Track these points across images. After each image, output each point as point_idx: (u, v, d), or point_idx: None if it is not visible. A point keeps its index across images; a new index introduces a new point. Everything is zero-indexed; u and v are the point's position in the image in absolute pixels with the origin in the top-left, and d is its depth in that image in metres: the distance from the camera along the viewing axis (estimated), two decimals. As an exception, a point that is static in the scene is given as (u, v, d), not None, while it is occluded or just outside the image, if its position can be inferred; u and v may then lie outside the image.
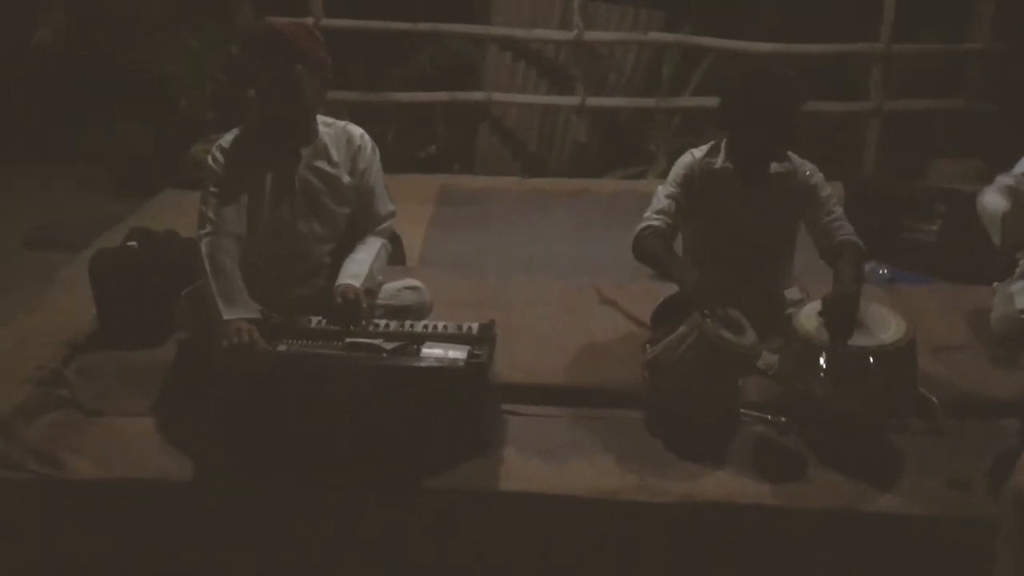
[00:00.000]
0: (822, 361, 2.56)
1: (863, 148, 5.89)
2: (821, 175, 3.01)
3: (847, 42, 5.84)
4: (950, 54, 6.12)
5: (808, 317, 2.67)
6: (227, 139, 2.80)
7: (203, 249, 2.69)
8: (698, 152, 3.03)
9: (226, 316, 2.59)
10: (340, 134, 2.90)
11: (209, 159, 2.79)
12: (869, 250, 2.97)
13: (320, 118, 2.87)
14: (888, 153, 5.93)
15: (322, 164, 2.85)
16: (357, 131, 2.93)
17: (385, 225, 2.99)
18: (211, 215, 2.72)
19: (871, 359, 2.52)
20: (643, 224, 2.95)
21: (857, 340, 2.57)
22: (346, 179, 2.88)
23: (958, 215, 4.19)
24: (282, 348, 2.61)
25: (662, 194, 3.00)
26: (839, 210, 2.99)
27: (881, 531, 2.43)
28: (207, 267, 2.66)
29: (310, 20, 5.74)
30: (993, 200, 3.25)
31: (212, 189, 2.74)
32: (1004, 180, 3.32)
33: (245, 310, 2.63)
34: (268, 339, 2.60)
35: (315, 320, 2.74)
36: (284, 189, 2.82)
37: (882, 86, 5.83)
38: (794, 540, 2.47)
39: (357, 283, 2.77)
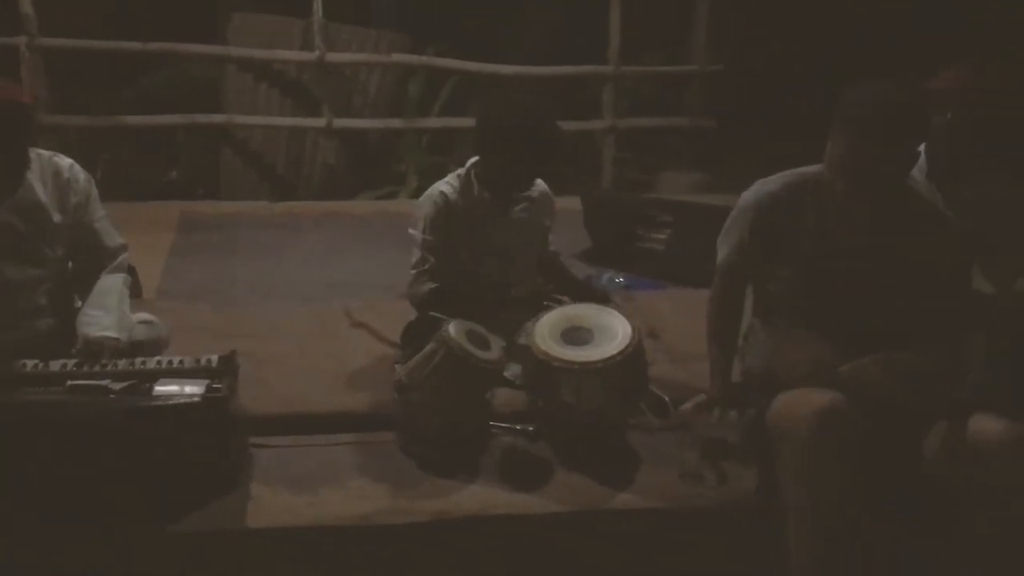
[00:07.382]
0: (557, 376, 2.66)
1: (600, 164, 6.24)
2: None
3: (583, 64, 6.17)
4: (672, 75, 6.65)
5: (541, 334, 2.74)
6: None
7: None
8: (446, 188, 3.05)
9: None
10: (46, 167, 2.65)
11: None
12: (606, 260, 3.19)
13: None
14: (622, 168, 6.32)
15: (28, 204, 2.61)
16: (65, 163, 2.70)
17: (120, 259, 2.79)
18: None
19: (600, 369, 2.63)
20: (416, 280, 3.00)
21: (586, 352, 2.68)
22: (56, 217, 2.65)
23: (683, 224, 4.52)
24: (-9, 397, 2.38)
25: (418, 239, 3.02)
26: None
27: (623, 527, 2.55)
28: None
29: (23, 39, 5.31)
30: None
31: None
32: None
33: None
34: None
35: (30, 364, 2.51)
36: None
37: (614, 106, 6.20)
38: (544, 544, 2.54)
39: (115, 334, 2.59)
